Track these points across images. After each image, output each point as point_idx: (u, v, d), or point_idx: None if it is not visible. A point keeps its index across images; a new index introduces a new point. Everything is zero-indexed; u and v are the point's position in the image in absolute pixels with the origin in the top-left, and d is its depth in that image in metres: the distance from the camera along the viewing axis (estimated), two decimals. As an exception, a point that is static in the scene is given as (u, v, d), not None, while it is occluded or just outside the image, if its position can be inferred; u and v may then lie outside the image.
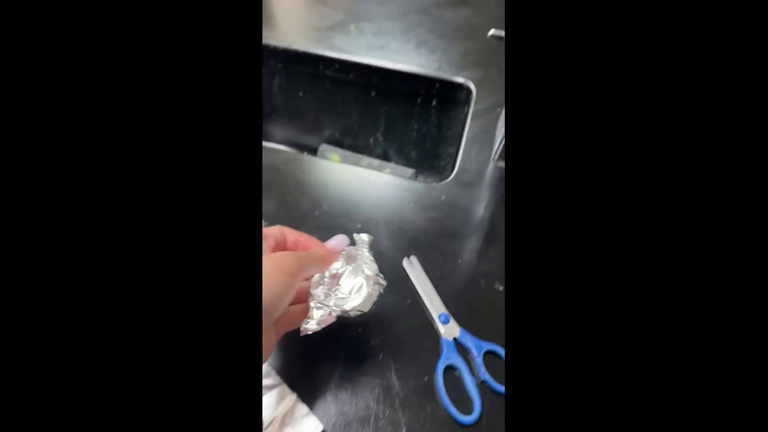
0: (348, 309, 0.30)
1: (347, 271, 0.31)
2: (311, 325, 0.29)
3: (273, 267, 0.26)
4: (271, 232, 0.32)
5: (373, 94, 0.65)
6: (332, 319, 0.30)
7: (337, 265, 0.32)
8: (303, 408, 0.32)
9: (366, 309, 0.30)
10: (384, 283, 0.32)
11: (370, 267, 0.31)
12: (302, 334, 0.29)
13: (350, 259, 0.32)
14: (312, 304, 0.30)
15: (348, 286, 0.31)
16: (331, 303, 0.30)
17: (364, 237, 0.33)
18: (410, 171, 0.71)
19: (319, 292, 0.30)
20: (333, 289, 0.30)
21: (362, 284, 0.30)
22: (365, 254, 0.32)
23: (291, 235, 0.32)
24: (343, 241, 0.32)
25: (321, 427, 0.31)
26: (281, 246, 0.32)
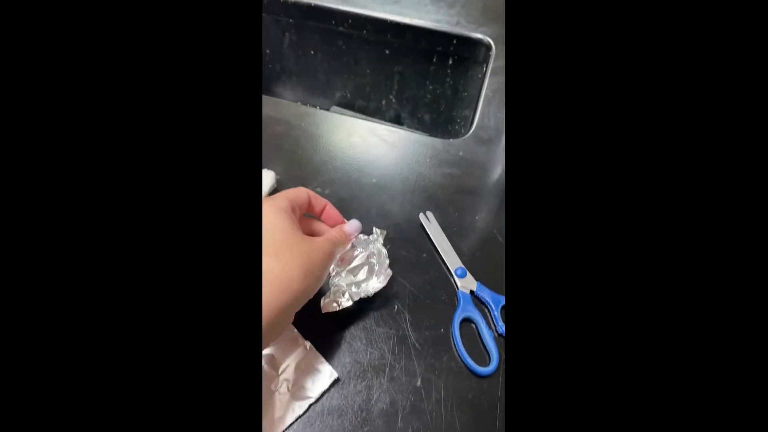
0: (361, 296, 0.33)
1: (359, 257, 0.34)
2: (333, 306, 0.32)
3: (320, 253, 0.28)
4: (297, 199, 0.30)
5: (387, 52, 0.62)
6: (357, 223, 0.33)
7: (354, 252, 0.34)
8: (317, 356, 0.31)
9: (371, 294, 0.33)
10: (390, 272, 0.34)
11: (382, 265, 0.33)
12: (324, 311, 0.32)
13: (363, 246, 0.34)
14: (334, 288, 0.32)
15: (362, 274, 0.33)
16: (349, 291, 0.32)
17: (380, 232, 0.35)
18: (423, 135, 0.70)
19: (340, 281, 0.33)
20: (346, 273, 0.33)
21: (374, 273, 0.33)
22: (378, 246, 0.34)
23: (317, 202, 0.33)
24: (357, 228, 0.33)
25: (336, 375, 0.31)
26: (307, 209, 0.32)
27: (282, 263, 0.26)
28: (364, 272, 0.33)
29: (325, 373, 0.31)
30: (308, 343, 0.32)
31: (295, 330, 0.32)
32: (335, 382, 0.31)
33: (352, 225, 0.33)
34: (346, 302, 0.32)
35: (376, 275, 0.33)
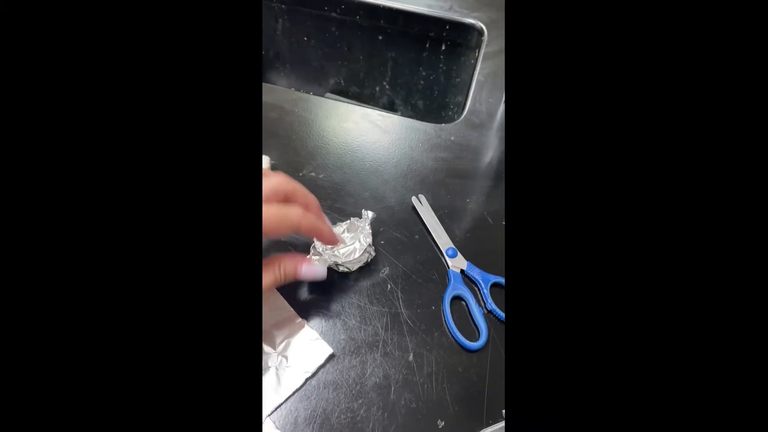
0: (339, 263, 0.34)
1: (347, 237, 0.35)
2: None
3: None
4: (279, 186, 0.29)
5: (380, 38, 0.63)
6: (323, 270, 0.33)
7: (339, 230, 0.36)
8: (312, 333, 0.33)
9: (353, 269, 0.35)
10: (373, 253, 0.36)
11: (365, 239, 0.35)
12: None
13: (352, 228, 0.36)
14: (312, 252, 0.34)
15: (346, 249, 0.35)
16: (326, 256, 0.34)
17: (369, 213, 0.36)
18: (417, 121, 0.70)
19: (318, 244, 0.34)
20: (332, 248, 0.35)
21: (356, 249, 0.35)
22: (366, 228, 0.36)
23: (305, 199, 0.31)
24: (317, 276, 0.32)
25: (330, 351, 0.32)
26: (284, 200, 0.30)
27: None
28: (349, 246, 0.35)
29: (321, 349, 0.32)
30: (304, 321, 0.33)
31: (292, 309, 0.33)
32: (330, 357, 0.32)
33: (312, 271, 0.31)
34: (320, 262, 0.33)
35: (358, 251, 0.34)
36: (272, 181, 0.29)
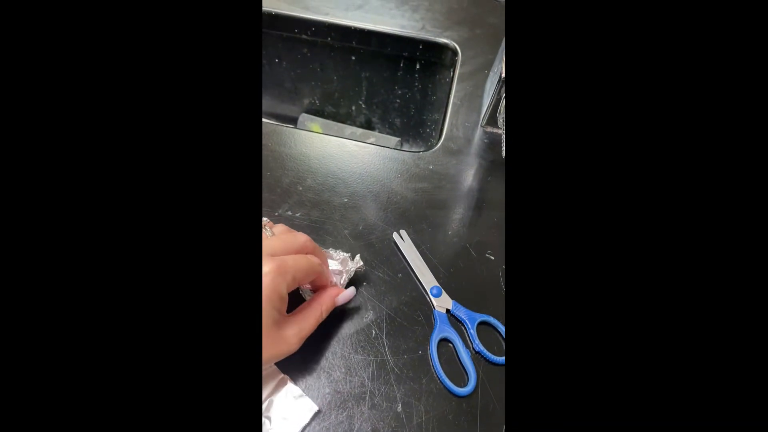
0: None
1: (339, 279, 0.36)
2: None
3: (302, 333, 0.30)
4: (295, 270, 0.29)
5: (353, 58, 0.61)
6: (352, 290, 0.35)
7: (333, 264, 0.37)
8: (296, 389, 0.31)
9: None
10: (353, 290, 0.35)
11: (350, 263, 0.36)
12: None
13: (344, 265, 0.36)
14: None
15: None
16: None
17: (359, 261, 0.37)
18: (395, 139, 0.69)
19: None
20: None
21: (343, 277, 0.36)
22: (351, 270, 0.36)
23: (321, 256, 0.34)
24: (351, 296, 0.35)
25: (315, 408, 0.31)
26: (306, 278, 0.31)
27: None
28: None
29: (305, 407, 0.31)
30: (286, 377, 0.32)
31: (274, 366, 0.32)
32: (316, 414, 0.31)
33: (346, 296, 0.34)
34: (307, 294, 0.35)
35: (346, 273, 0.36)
36: (300, 239, 0.32)
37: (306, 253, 0.31)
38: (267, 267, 0.28)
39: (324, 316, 0.32)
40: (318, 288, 0.34)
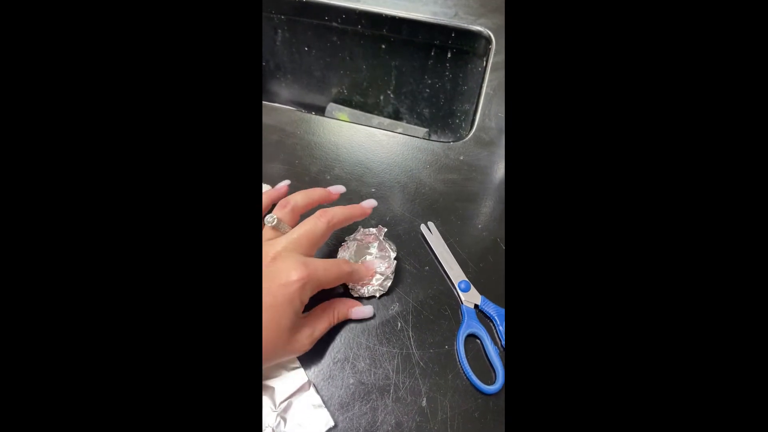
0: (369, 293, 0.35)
1: (377, 261, 0.36)
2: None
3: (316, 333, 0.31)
4: (312, 278, 0.30)
5: (383, 46, 0.60)
6: (370, 309, 0.34)
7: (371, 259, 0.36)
8: (316, 398, 0.30)
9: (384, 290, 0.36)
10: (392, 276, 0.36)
11: (384, 263, 0.36)
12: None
13: (380, 248, 0.37)
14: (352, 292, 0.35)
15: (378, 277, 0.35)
16: (364, 291, 0.35)
17: (383, 230, 0.37)
18: (423, 130, 0.68)
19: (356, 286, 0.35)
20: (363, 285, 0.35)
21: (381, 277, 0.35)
22: (387, 248, 0.36)
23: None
24: (366, 314, 0.34)
25: (332, 424, 0.30)
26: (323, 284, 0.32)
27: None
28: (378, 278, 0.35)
29: (322, 420, 0.30)
30: (310, 381, 0.31)
31: (299, 364, 0.32)
32: (331, 429, 0.30)
33: (362, 312, 0.34)
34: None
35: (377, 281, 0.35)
36: (318, 191, 0.35)
37: (327, 201, 0.35)
38: (297, 274, 0.28)
39: (335, 322, 0.33)
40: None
